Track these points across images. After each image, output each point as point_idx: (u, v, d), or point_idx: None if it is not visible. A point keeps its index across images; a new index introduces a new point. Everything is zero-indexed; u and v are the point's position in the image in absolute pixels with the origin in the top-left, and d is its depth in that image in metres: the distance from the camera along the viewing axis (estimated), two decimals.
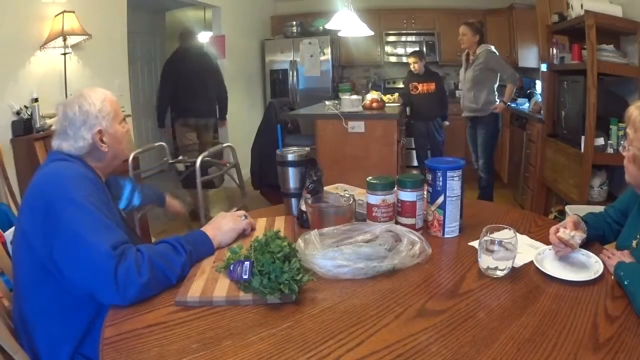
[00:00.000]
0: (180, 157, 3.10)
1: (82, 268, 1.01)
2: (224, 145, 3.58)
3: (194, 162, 3.17)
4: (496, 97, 4.02)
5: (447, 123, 4.88)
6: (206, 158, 3.38)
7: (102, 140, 1.23)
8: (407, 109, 4.98)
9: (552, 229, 1.20)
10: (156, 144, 3.95)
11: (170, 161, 3.45)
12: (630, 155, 1.17)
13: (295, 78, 6.18)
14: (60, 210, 1.04)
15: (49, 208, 1.06)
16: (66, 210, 1.04)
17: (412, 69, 4.64)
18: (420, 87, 4.60)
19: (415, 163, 5.74)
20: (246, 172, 3.84)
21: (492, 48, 3.94)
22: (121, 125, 1.30)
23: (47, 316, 1.12)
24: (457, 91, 6.13)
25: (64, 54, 2.91)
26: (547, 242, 1.22)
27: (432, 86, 4.56)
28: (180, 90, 4.13)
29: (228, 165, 3.40)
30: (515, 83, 3.96)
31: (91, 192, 1.11)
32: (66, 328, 1.12)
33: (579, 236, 1.16)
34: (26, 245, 1.11)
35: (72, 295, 1.10)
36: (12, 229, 1.58)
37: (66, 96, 2.91)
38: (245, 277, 1.01)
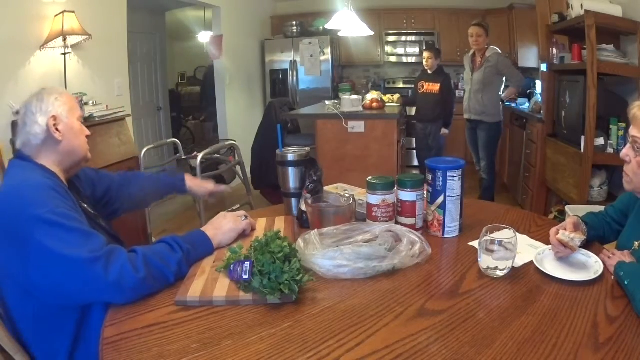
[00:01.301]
0: (195, 153, 3.12)
1: (70, 283, 0.99)
2: (227, 142, 3.60)
3: (207, 159, 3.21)
4: (500, 100, 4.08)
5: (446, 131, 4.65)
6: (215, 155, 3.42)
7: (56, 128, 1.21)
8: (412, 108, 4.95)
9: (552, 231, 1.20)
10: (169, 140, 3.99)
11: (184, 157, 3.49)
12: None
13: (295, 78, 6.18)
14: (29, 233, 0.99)
15: (16, 232, 1.01)
16: (34, 231, 0.98)
17: (426, 65, 4.56)
18: (426, 85, 4.54)
19: (416, 163, 5.74)
20: (246, 172, 3.84)
21: (499, 51, 4.01)
22: (78, 122, 1.29)
23: (37, 334, 1.11)
24: (457, 91, 6.13)
25: (64, 54, 2.91)
26: (547, 242, 1.22)
27: (437, 87, 4.48)
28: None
29: (234, 161, 3.45)
30: (519, 87, 4.09)
31: (55, 202, 1.05)
32: (56, 341, 1.11)
33: (578, 238, 1.16)
34: (2, 270, 1.08)
35: (52, 308, 1.09)
36: None
37: None
38: (246, 277, 1.01)
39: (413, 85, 4.89)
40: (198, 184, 1.69)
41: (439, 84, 4.47)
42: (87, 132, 1.33)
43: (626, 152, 1.14)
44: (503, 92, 4.13)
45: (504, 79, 4.03)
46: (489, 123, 4.01)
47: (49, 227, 1.00)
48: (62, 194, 1.11)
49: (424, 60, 4.53)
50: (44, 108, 1.21)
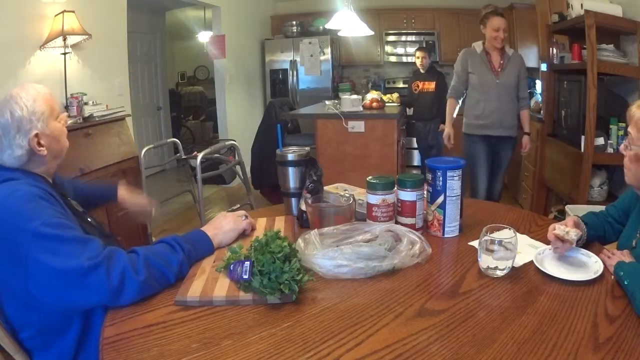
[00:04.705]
0: (195, 153, 3.12)
1: (73, 294, 0.98)
2: (227, 142, 3.60)
3: (207, 158, 3.22)
4: None
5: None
6: (215, 155, 3.42)
7: (39, 144, 1.14)
8: (410, 109, 4.96)
9: (551, 227, 1.21)
10: (169, 140, 3.99)
11: (184, 156, 3.50)
12: (632, 154, 1.17)
13: (295, 78, 6.18)
14: (26, 249, 0.97)
15: (11, 248, 0.99)
16: (31, 247, 0.96)
17: (419, 65, 4.58)
18: (421, 85, 4.57)
19: (416, 163, 5.74)
20: (246, 171, 3.85)
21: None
22: (57, 120, 1.21)
23: (42, 342, 1.11)
24: None
25: (64, 53, 2.90)
26: (547, 242, 1.23)
27: (432, 85, 4.53)
28: None
29: (234, 161, 3.45)
30: (528, 106, 3.32)
31: (47, 211, 1.03)
32: (61, 346, 1.11)
33: (574, 232, 1.17)
34: (0, 284, 1.07)
35: (56, 316, 1.09)
36: None
37: (66, 96, 2.91)
38: (246, 277, 1.01)
39: (407, 86, 4.91)
40: (130, 197, 1.61)
41: (434, 82, 4.50)
42: (64, 118, 1.25)
43: (622, 146, 1.21)
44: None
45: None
46: (516, 137, 3.21)
47: (44, 241, 0.97)
48: (51, 200, 1.09)
49: (418, 60, 4.56)
50: (23, 128, 1.11)
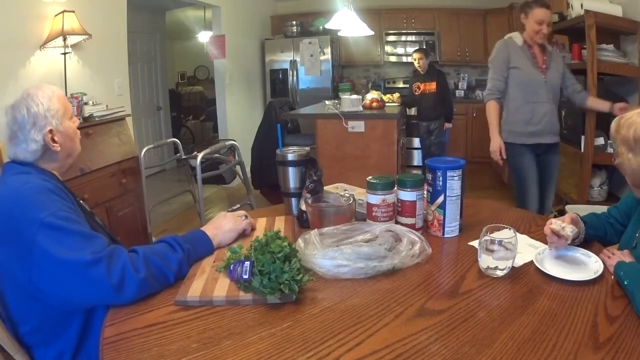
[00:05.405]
0: (195, 153, 3.13)
1: (74, 286, 0.98)
2: (227, 142, 3.60)
3: (207, 158, 3.22)
4: None
5: (449, 125, 4.74)
6: (215, 155, 3.42)
7: (53, 140, 1.18)
8: (413, 109, 4.98)
9: (548, 222, 1.22)
10: (169, 140, 3.99)
11: (184, 157, 3.50)
12: (616, 163, 1.21)
13: (295, 78, 6.18)
14: (31, 237, 0.98)
15: (18, 236, 1.00)
16: (36, 236, 0.98)
17: (417, 66, 4.59)
18: (422, 86, 4.58)
19: (416, 162, 5.75)
20: (246, 171, 3.85)
21: None
22: (71, 120, 1.26)
23: (43, 337, 1.11)
24: (457, 91, 6.14)
25: (64, 53, 2.90)
26: (547, 242, 1.23)
27: (433, 86, 4.54)
28: None
29: (234, 161, 3.45)
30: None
31: (56, 204, 1.05)
32: (62, 343, 1.12)
33: (570, 228, 1.17)
34: (4, 273, 1.08)
35: (58, 310, 1.09)
36: None
37: (66, 96, 2.90)
38: (246, 277, 1.01)
39: (408, 85, 4.92)
40: None
41: (435, 82, 4.50)
42: (77, 122, 1.29)
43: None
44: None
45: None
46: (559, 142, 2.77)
47: (50, 231, 0.99)
48: (62, 195, 1.11)
49: (416, 62, 4.57)
50: (38, 123, 1.16)
